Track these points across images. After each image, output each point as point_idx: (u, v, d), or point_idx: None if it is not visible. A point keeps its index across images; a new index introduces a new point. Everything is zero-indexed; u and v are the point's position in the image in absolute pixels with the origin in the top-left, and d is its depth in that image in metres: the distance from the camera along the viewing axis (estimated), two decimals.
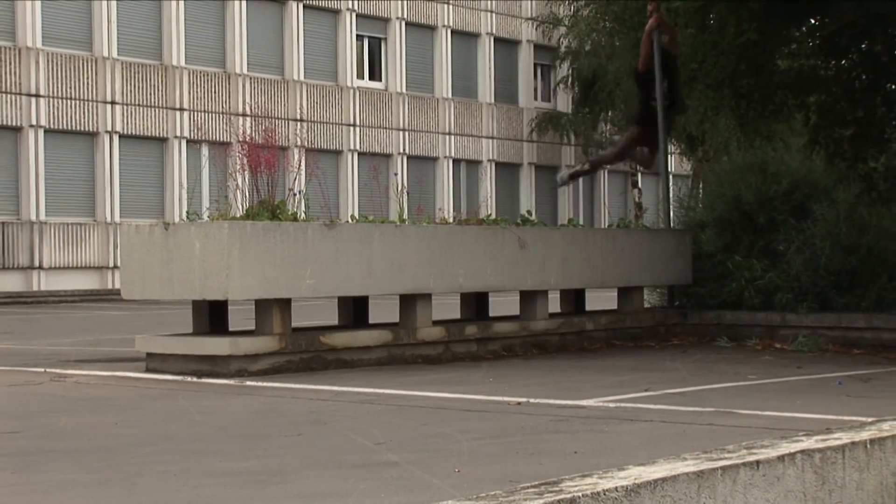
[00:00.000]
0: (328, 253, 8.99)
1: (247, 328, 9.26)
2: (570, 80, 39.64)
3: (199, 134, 29.42)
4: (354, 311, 10.30)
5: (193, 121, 29.94)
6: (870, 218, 12.21)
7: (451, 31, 36.99)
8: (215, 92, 30.78)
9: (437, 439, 5.64)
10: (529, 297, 10.85)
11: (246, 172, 10.19)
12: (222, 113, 30.59)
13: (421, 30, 36.21)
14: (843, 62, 15.18)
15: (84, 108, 28.22)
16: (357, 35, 34.36)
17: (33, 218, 27.16)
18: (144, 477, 4.66)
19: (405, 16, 35.52)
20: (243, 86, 31.28)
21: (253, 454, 5.23)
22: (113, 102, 28.70)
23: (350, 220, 10.95)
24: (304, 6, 32.77)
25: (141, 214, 27.63)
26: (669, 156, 14.51)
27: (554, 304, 11.47)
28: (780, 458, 4.12)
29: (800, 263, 11.96)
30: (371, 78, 34.95)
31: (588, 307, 12.10)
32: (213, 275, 8.43)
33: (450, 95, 36.84)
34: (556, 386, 8.12)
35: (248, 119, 29.03)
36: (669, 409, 6.72)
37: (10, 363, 9.70)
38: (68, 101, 27.91)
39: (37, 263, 27.17)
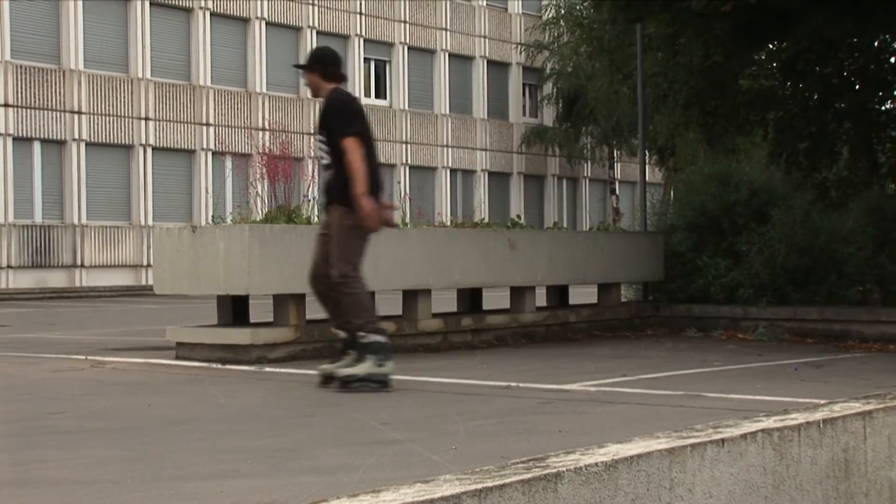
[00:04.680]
0: None
1: (266, 320, 9.25)
2: (554, 97, 39.65)
3: (224, 146, 29.40)
4: None
5: (218, 135, 29.92)
6: (822, 222, 12.22)
7: (449, 55, 36.98)
8: (238, 109, 30.75)
9: (435, 420, 5.62)
10: (519, 293, 10.84)
11: (265, 181, 10.19)
12: (244, 128, 30.57)
13: (422, 53, 36.19)
14: (799, 83, 15.19)
15: (121, 124, 28.18)
16: (364, 58, 34.35)
17: (76, 221, 27.14)
18: (175, 453, 4.65)
19: (408, 41, 35.51)
20: (263, 103, 31.25)
21: (271, 433, 5.22)
22: (146, 118, 28.67)
23: None
24: (317, 32, 32.75)
25: (171, 218, 27.64)
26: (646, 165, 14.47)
27: (541, 298, 11.46)
28: (743, 437, 4.11)
29: (760, 262, 11.96)
30: (377, 96, 34.92)
31: (571, 301, 12.08)
32: (235, 272, 8.42)
33: (447, 112, 36.82)
34: (543, 372, 8.11)
35: (267, 133, 29.01)
36: (644, 393, 6.71)
37: (55, 351, 9.68)
38: (107, 118, 27.89)
39: (79, 262, 27.16)
